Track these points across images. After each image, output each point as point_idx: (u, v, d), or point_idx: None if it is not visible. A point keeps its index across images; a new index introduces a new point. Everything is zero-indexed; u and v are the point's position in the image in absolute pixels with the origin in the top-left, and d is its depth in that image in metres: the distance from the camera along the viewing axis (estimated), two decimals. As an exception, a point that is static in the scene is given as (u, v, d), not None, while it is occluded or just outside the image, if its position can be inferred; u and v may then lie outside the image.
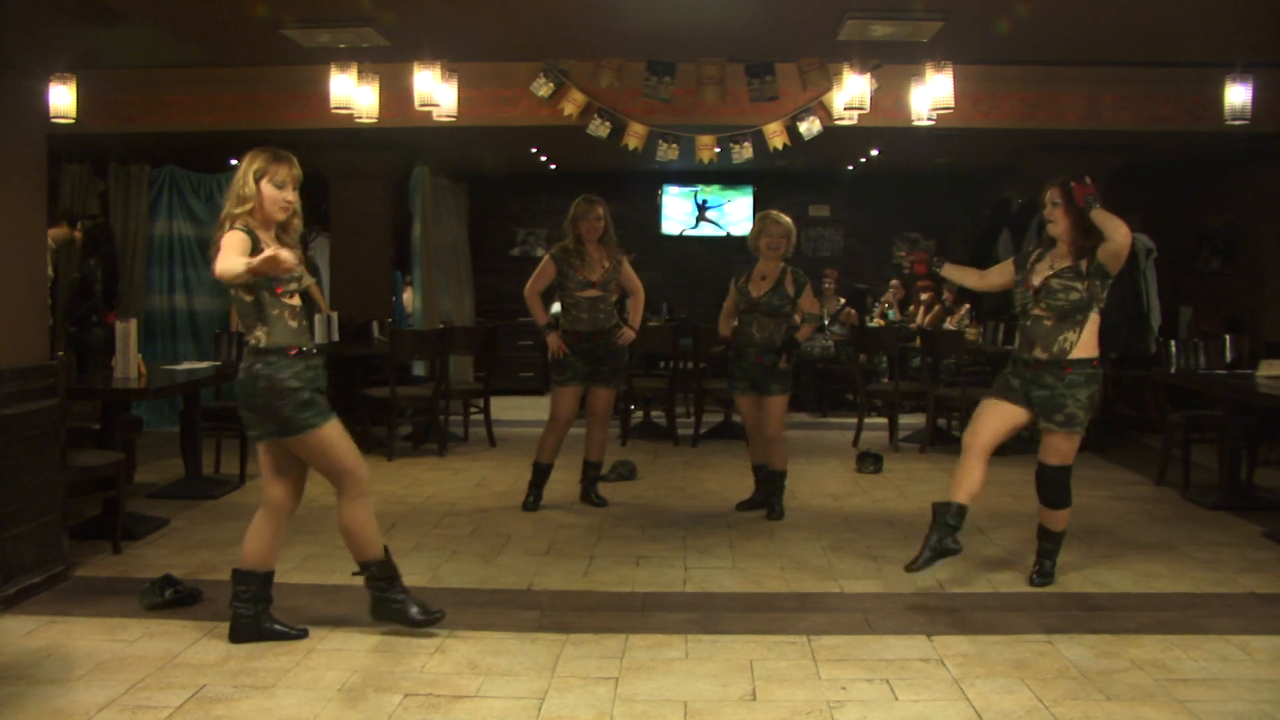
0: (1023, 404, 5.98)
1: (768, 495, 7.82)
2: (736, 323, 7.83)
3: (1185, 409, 9.17)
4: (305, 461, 5.06)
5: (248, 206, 4.93)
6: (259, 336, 4.92)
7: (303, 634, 5.13)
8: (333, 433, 5.02)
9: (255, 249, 4.75)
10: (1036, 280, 5.97)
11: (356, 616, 5.34)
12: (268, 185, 4.99)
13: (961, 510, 5.86)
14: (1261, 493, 8.31)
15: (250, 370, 4.94)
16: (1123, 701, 4.40)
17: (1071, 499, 6.06)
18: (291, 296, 4.98)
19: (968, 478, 5.95)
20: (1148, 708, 4.34)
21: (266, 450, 5.07)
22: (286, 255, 4.54)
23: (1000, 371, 6.24)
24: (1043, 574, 6.12)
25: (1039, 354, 5.90)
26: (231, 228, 4.84)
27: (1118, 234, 5.71)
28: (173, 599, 5.50)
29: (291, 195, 5.06)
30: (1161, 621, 5.43)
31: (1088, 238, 5.85)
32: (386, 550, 5.18)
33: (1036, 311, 5.94)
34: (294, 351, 4.95)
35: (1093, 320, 5.88)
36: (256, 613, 5.07)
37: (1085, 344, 5.85)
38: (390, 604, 5.16)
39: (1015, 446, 10.36)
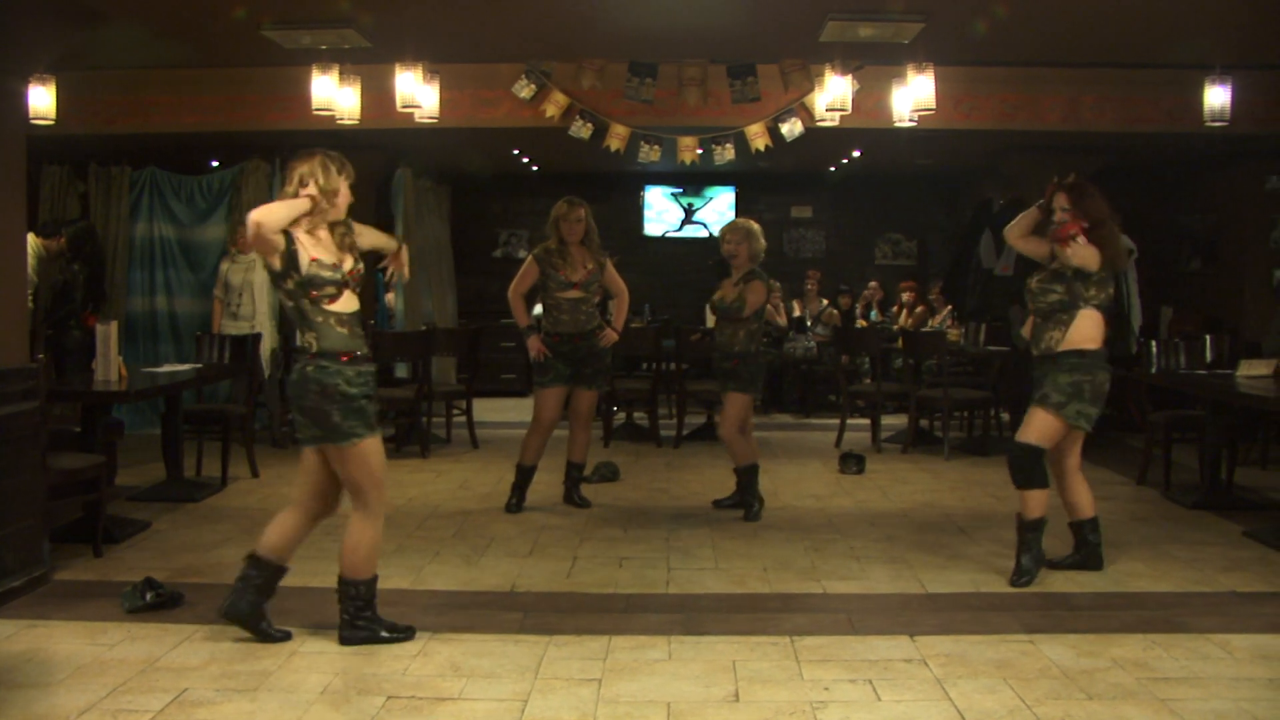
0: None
1: (739, 491, 7.91)
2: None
3: (1166, 409, 9.20)
4: (338, 470, 5.03)
5: (331, 201, 5.05)
6: (309, 341, 4.93)
7: (286, 636, 5.12)
8: (372, 447, 5.01)
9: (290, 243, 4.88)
10: (1032, 283, 6.22)
11: (339, 618, 5.34)
12: (345, 184, 5.11)
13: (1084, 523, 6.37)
14: (1241, 492, 8.35)
15: (303, 373, 4.94)
16: (1104, 701, 4.41)
17: (1039, 482, 6.10)
18: (333, 300, 4.95)
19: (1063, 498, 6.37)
20: (1129, 707, 4.35)
21: (312, 454, 5.09)
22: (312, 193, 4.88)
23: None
24: (1018, 572, 6.13)
25: (1034, 350, 6.19)
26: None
27: (1089, 261, 5.93)
28: (154, 602, 5.48)
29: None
30: (1143, 620, 5.45)
31: (1093, 234, 6.01)
32: (375, 576, 5.16)
33: (1032, 309, 6.22)
34: (345, 357, 4.94)
35: (1081, 317, 6.01)
36: (256, 602, 5.09)
37: (1073, 339, 5.99)
38: (360, 627, 5.11)
39: (998, 447, 10.43)
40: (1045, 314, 6.09)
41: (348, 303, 5.00)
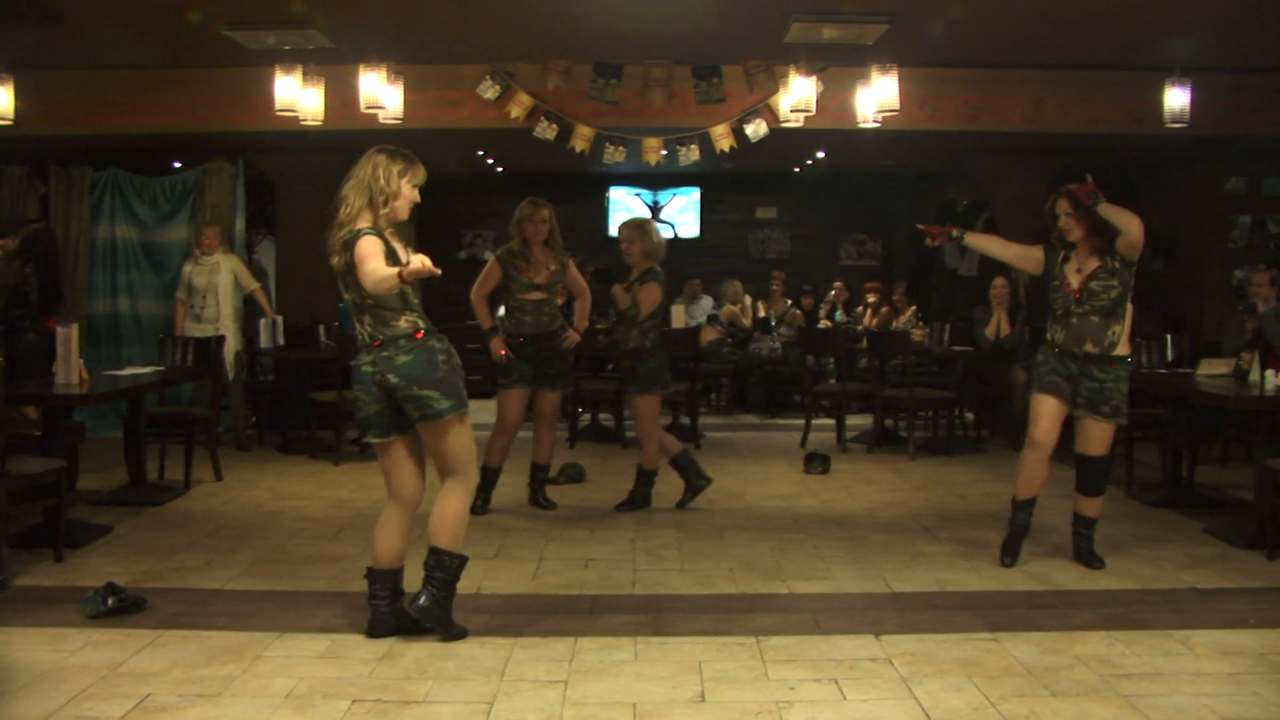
0: (1067, 397, 6.35)
1: (634, 485, 8.04)
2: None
3: (1128, 408, 9.25)
4: (432, 445, 5.09)
5: (393, 206, 5.06)
6: (414, 321, 5.01)
7: (465, 632, 5.16)
8: (468, 421, 5.12)
9: (389, 251, 4.89)
10: (1076, 283, 6.28)
11: (303, 622, 5.32)
12: (408, 186, 5.14)
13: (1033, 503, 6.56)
14: (1202, 490, 8.41)
15: (426, 348, 4.98)
16: (1068, 698, 4.44)
17: (1106, 487, 6.54)
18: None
19: (1037, 475, 6.50)
20: (1092, 703, 4.38)
21: (401, 448, 5.14)
22: (426, 260, 4.61)
23: (1043, 364, 6.48)
24: (1094, 557, 6.47)
25: (1090, 348, 6.25)
26: (363, 234, 4.89)
27: (1131, 225, 6.06)
28: (116, 607, 5.42)
29: (418, 198, 5.21)
30: (1105, 618, 5.48)
31: (1102, 236, 6.19)
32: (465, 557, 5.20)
33: (1081, 311, 6.26)
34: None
35: (1129, 310, 6.25)
36: (395, 609, 5.13)
37: (1126, 336, 6.26)
38: (440, 609, 5.10)
39: (963, 447, 10.48)
40: (1107, 311, 6.20)
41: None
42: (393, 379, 4.94)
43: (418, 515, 5.28)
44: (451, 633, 5.11)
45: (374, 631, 5.12)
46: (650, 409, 7.88)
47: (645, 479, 8.01)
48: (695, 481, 7.94)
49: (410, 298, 5.02)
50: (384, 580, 5.14)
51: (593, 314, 8.81)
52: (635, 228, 7.90)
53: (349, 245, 4.89)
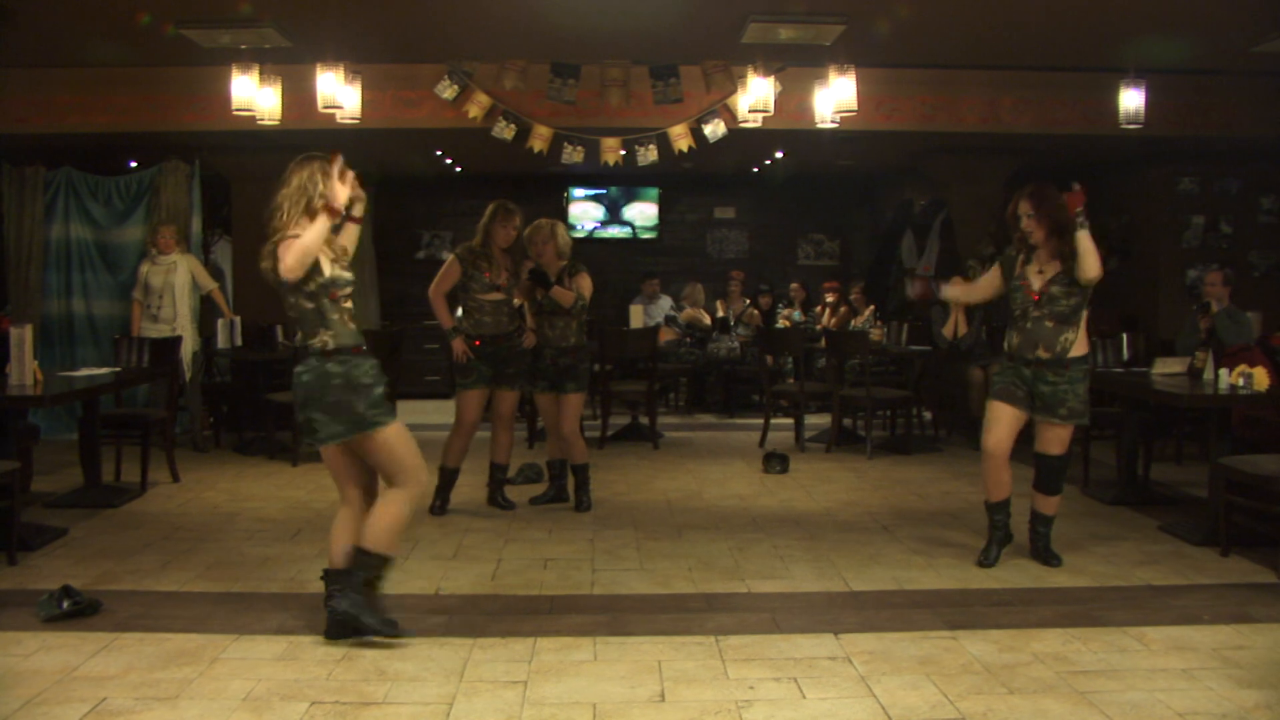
0: (1024, 404, 6.35)
1: (576, 489, 8.05)
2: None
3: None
4: (367, 459, 5.11)
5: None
6: (325, 340, 4.99)
7: (392, 626, 5.12)
8: (398, 431, 5.08)
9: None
10: (1037, 285, 6.30)
11: (261, 624, 5.29)
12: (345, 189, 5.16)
13: (1006, 504, 6.57)
14: (1157, 487, 8.49)
15: (322, 370, 4.97)
16: (1025, 694, 4.47)
17: (1062, 487, 6.58)
18: (347, 300, 5.09)
19: (1001, 480, 6.52)
20: (1049, 700, 4.41)
21: (337, 453, 5.14)
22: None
23: (1000, 372, 6.52)
24: (1051, 554, 6.53)
25: (1042, 354, 6.27)
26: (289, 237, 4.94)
27: (1092, 266, 6.10)
28: (71, 610, 5.37)
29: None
30: (1062, 615, 5.52)
31: (1064, 239, 6.19)
32: (391, 558, 5.18)
33: (1038, 314, 6.28)
34: (357, 350, 5.05)
35: (1085, 317, 6.29)
36: (356, 600, 5.08)
37: (1080, 341, 6.26)
38: (352, 600, 5.07)
39: (921, 445, 10.53)
40: (1063, 317, 6.22)
41: (350, 302, 5.15)
42: (296, 395, 5.01)
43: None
44: (371, 625, 5.07)
45: (332, 633, 5.09)
46: (582, 405, 8.04)
47: (581, 474, 8.03)
48: (581, 495, 8.02)
49: (328, 314, 5.00)
50: (340, 581, 5.11)
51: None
52: (547, 230, 7.88)
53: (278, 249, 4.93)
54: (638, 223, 16.61)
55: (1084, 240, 6.05)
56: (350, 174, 5.08)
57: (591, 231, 16.61)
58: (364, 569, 5.08)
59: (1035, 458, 6.54)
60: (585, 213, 16.63)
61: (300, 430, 5.18)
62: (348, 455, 5.15)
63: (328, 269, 5.00)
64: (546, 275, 7.74)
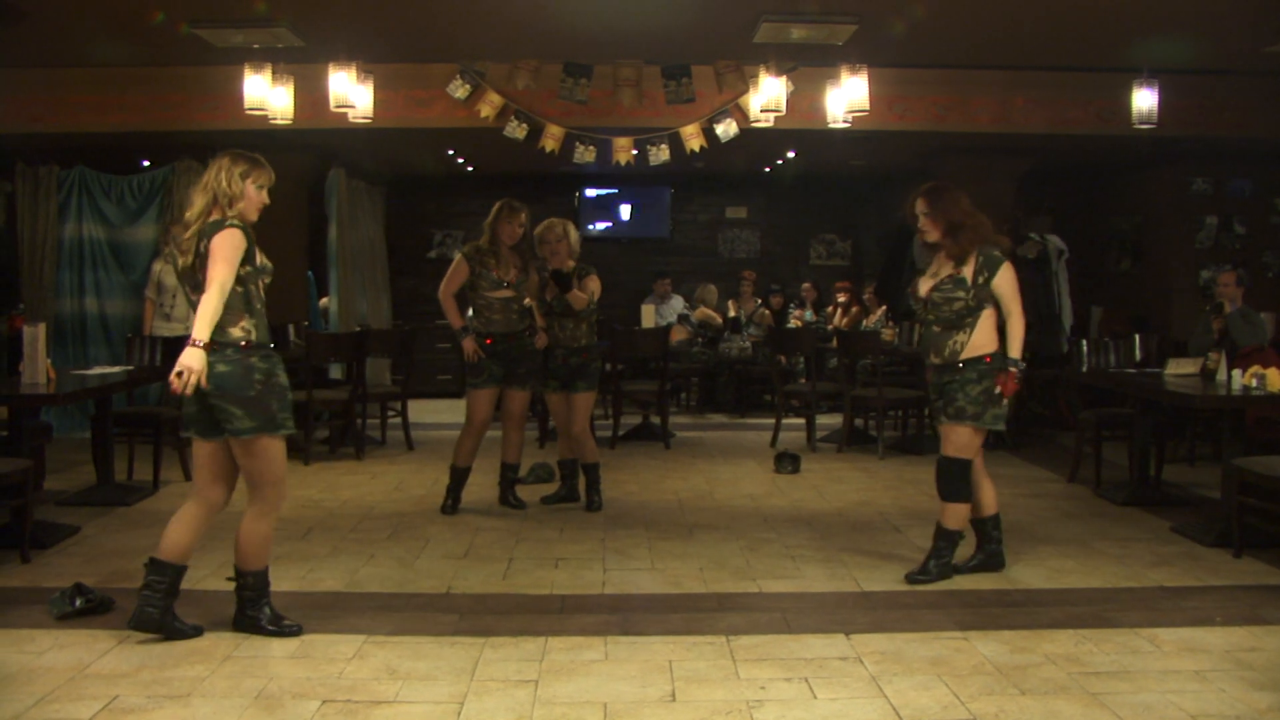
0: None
1: (587, 489, 8.06)
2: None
3: (1096, 407, 9.33)
4: (240, 462, 5.07)
5: (238, 207, 5.03)
6: (246, 329, 4.96)
7: (198, 631, 5.13)
8: (283, 444, 5.11)
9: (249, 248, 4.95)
10: (923, 290, 6.15)
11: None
12: (252, 187, 5.10)
13: (992, 520, 6.33)
14: (1169, 489, 8.48)
15: (243, 364, 4.94)
16: (1037, 695, 4.46)
17: (968, 495, 6.16)
18: (264, 292, 5.12)
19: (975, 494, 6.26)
20: (1061, 701, 4.40)
21: (217, 450, 5.10)
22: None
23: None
24: (922, 570, 6.17)
25: (934, 359, 6.11)
26: (228, 224, 4.93)
27: (1012, 322, 5.99)
28: (84, 608, 5.39)
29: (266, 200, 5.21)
30: (1074, 616, 5.51)
31: (957, 240, 6.00)
32: (265, 569, 5.21)
33: (929, 319, 6.14)
34: (273, 347, 5.09)
35: (985, 318, 6.00)
36: (165, 606, 5.05)
37: (976, 344, 5.99)
38: (249, 617, 5.16)
39: (933, 446, 10.51)
40: (949, 322, 6.02)
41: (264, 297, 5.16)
42: (207, 385, 4.90)
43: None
44: (280, 629, 5.14)
45: (136, 624, 5.03)
46: (591, 405, 8.06)
47: (592, 473, 8.06)
48: (592, 494, 8.04)
49: (254, 301, 5.01)
50: (163, 571, 5.06)
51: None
52: (560, 230, 7.89)
53: (206, 234, 4.91)
54: (648, 222, 16.58)
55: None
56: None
57: (603, 230, 16.59)
58: (247, 589, 5.14)
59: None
60: (596, 212, 16.60)
61: (191, 421, 5.09)
62: (217, 456, 5.12)
63: (259, 257, 5.05)
64: (568, 278, 7.72)
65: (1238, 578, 6.23)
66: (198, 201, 5.02)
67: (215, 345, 4.88)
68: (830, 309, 14.02)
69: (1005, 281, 5.96)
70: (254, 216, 5.12)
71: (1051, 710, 4.32)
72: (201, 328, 4.75)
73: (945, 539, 6.18)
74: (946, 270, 6.06)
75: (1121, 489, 8.36)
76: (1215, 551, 6.76)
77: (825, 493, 8.63)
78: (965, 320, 5.98)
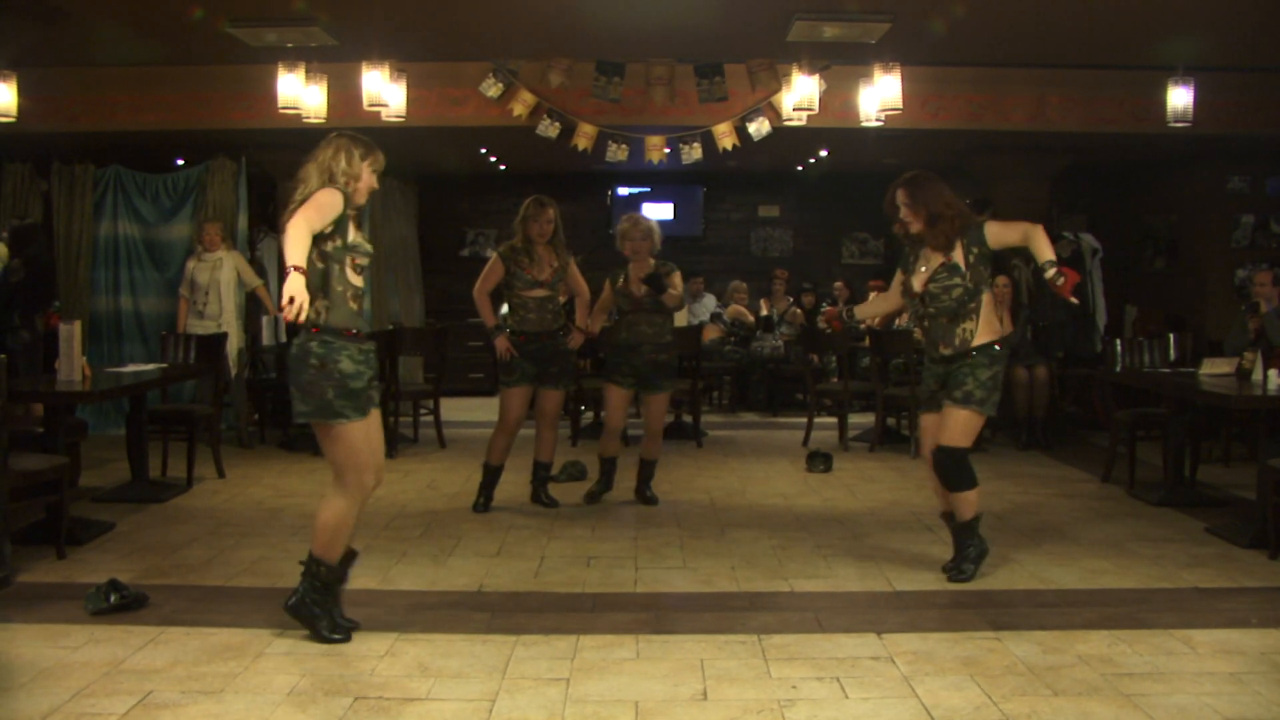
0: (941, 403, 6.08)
1: (645, 483, 8.16)
2: (610, 322, 8.12)
3: (1131, 407, 9.27)
4: (322, 446, 5.11)
5: (355, 187, 5.07)
6: (319, 309, 4.92)
7: (354, 625, 5.16)
8: (357, 430, 5.01)
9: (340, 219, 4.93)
10: (918, 286, 6.07)
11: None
12: (368, 170, 5.14)
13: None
14: (1204, 489, 8.42)
15: (304, 347, 4.94)
16: (1069, 696, 4.44)
17: (975, 480, 6.09)
18: (359, 274, 5.03)
19: (941, 491, 6.18)
20: (1094, 702, 4.38)
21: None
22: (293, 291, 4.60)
23: (923, 375, 6.30)
24: (959, 571, 6.11)
25: (944, 350, 6.02)
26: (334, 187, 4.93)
27: (1030, 233, 5.87)
28: (118, 604, 5.42)
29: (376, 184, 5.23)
30: (1107, 617, 5.48)
31: (939, 230, 5.93)
32: (344, 560, 5.15)
33: (930, 313, 6.06)
34: (350, 333, 4.99)
35: (986, 303, 5.95)
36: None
37: (984, 329, 5.93)
38: (307, 605, 5.09)
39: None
40: (953, 312, 5.95)
41: (363, 281, 5.10)
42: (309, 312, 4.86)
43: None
44: (321, 635, 5.04)
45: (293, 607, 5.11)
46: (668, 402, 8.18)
47: (651, 470, 8.16)
48: (611, 483, 8.19)
49: (334, 283, 4.95)
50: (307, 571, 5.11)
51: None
52: (645, 227, 7.92)
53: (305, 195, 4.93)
54: (681, 221, 16.56)
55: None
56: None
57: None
58: (313, 576, 5.08)
59: (933, 449, 6.14)
60: (628, 210, 16.56)
61: None
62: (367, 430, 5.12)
63: (352, 235, 5.00)
64: (663, 281, 7.72)
65: (1274, 579, 6.18)
66: (313, 180, 4.99)
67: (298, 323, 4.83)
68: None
69: (995, 230, 5.94)
70: (363, 200, 5.15)
71: (1084, 711, 4.29)
72: (290, 253, 4.68)
73: (967, 531, 6.13)
74: (936, 261, 5.99)
75: (1156, 489, 8.31)
76: (1251, 553, 6.71)
77: (857, 492, 8.61)
78: (968, 306, 5.92)
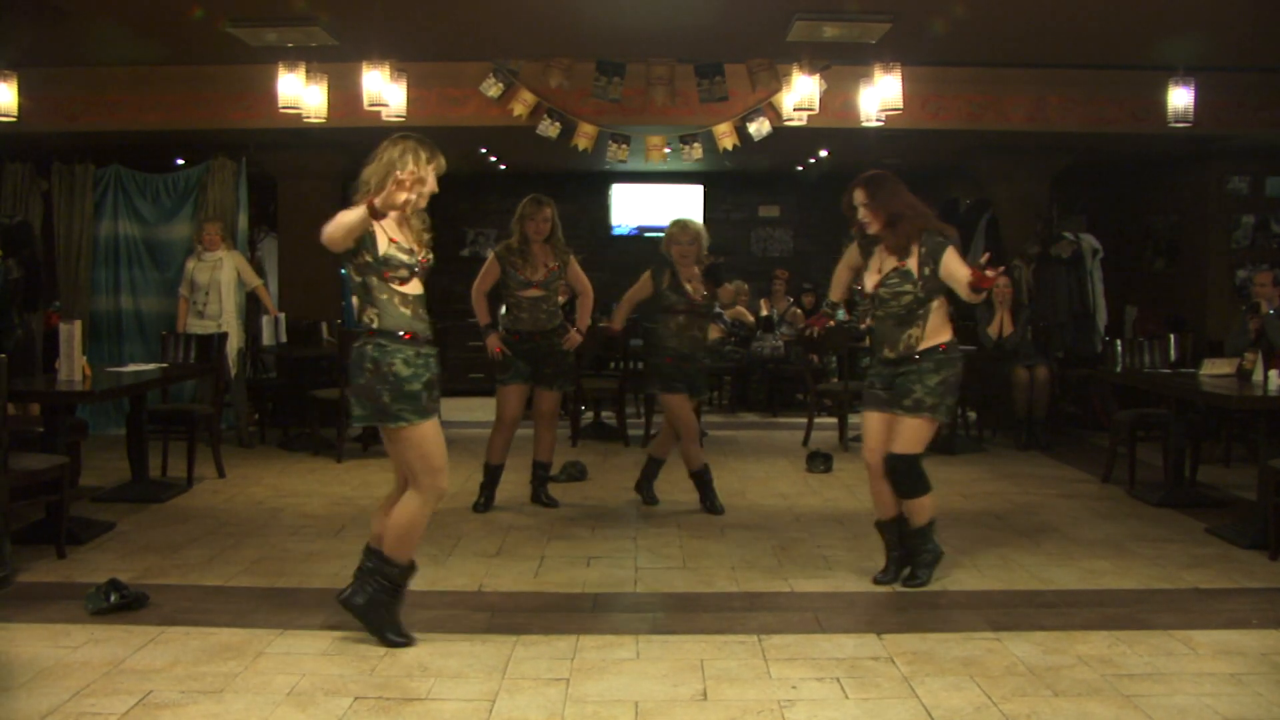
0: (887, 404, 5.96)
1: (706, 492, 7.96)
2: (661, 326, 7.83)
3: (1131, 407, 9.27)
4: (389, 450, 5.06)
5: (418, 189, 5.00)
6: (371, 316, 4.92)
7: (406, 642, 5.05)
8: (423, 433, 4.95)
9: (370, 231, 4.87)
10: (869, 286, 5.97)
11: (305, 620, 5.32)
12: (433, 174, 5.13)
13: (896, 522, 6.08)
14: (1204, 490, 8.41)
15: (360, 350, 4.93)
16: (1069, 697, 4.44)
17: (929, 485, 6.02)
18: (404, 283, 4.97)
19: (884, 496, 6.07)
20: (1094, 703, 4.38)
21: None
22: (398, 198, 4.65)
23: (869, 373, 6.18)
24: (913, 578, 6.04)
25: (888, 353, 5.92)
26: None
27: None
28: (118, 604, 5.42)
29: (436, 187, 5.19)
30: (1107, 618, 5.48)
31: (896, 231, 5.82)
32: (414, 564, 5.13)
33: (879, 315, 5.95)
34: (406, 336, 4.94)
35: (936, 309, 5.84)
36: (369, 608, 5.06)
37: (932, 334, 5.82)
38: (373, 607, 5.04)
39: (965, 446, 10.47)
40: (900, 317, 5.84)
41: (414, 287, 5.05)
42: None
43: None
44: (385, 638, 5.01)
45: (347, 601, 5.06)
46: None
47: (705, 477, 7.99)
48: (712, 497, 8.00)
49: (375, 293, 4.91)
50: (376, 558, 5.07)
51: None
52: (694, 230, 7.84)
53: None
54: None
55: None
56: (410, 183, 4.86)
57: (637, 229, 16.58)
58: (382, 575, 5.03)
59: (885, 456, 6.01)
60: (628, 210, 16.59)
61: None
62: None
63: (383, 248, 4.91)
64: (721, 273, 7.74)
65: (1274, 580, 6.18)
66: (375, 183, 4.93)
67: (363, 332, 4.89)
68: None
69: (952, 266, 5.71)
70: (423, 204, 5.14)
71: (1084, 712, 4.29)
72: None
73: (921, 537, 6.05)
74: (890, 264, 5.86)
75: (1156, 490, 8.30)
76: (1251, 553, 6.70)
77: (857, 492, 8.60)
78: (917, 313, 5.81)
